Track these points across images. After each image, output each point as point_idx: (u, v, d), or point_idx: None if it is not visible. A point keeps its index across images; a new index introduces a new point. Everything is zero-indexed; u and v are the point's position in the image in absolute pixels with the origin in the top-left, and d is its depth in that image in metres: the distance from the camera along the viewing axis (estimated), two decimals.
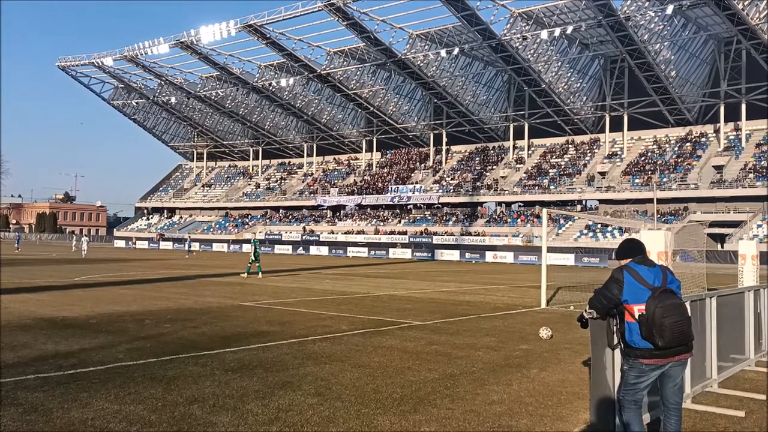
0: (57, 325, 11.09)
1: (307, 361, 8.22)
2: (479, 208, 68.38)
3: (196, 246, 75.92)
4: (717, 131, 60.44)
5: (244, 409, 5.94)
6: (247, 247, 70.99)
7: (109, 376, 7.13)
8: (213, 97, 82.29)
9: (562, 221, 58.67)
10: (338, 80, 71.14)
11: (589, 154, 67.45)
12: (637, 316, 4.44)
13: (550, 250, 39.81)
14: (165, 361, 8.01)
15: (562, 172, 65.93)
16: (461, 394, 6.67)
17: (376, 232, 68.42)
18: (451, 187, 70.72)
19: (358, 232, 69.39)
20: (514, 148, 72.37)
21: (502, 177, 69.21)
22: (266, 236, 74.63)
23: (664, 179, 58.04)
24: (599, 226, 54.95)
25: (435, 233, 64.34)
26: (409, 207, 73.57)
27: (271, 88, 75.96)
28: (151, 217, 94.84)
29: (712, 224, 50.11)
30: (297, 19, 59.54)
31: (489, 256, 54.60)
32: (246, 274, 25.71)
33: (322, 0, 55.10)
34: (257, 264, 25.82)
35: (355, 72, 70.53)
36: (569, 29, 54.75)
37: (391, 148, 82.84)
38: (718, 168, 57.13)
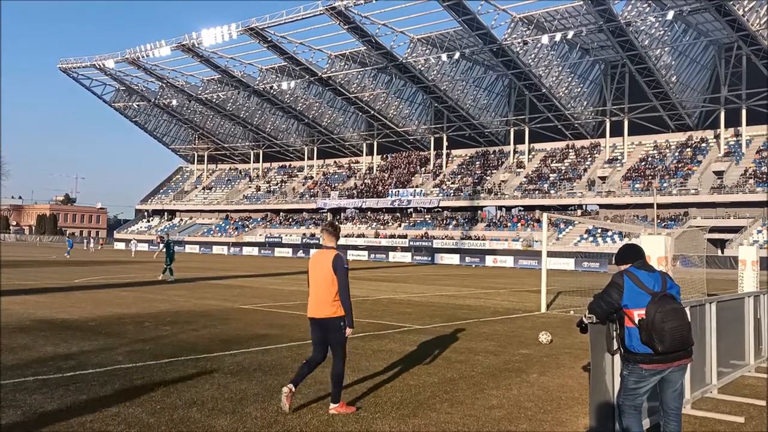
0: (56, 327, 11.08)
1: None
2: (479, 212, 68.37)
3: (195, 248, 76.07)
4: (717, 137, 60.46)
5: (243, 412, 5.93)
6: (247, 250, 71.36)
7: (108, 379, 7.13)
8: (214, 100, 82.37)
9: (562, 226, 58.64)
10: (339, 84, 71.20)
11: (589, 159, 67.47)
12: (637, 321, 4.44)
13: (550, 254, 39.78)
14: (164, 364, 8.00)
15: (562, 177, 65.92)
16: (460, 399, 6.66)
17: (377, 235, 68.42)
18: (452, 191, 70.72)
19: (359, 236, 69.38)
20: (515, 152, 72.41)
21: (503, 181, 69.21)
22: (266, 239, 74.67)
23: (665, 184, 58.04)
24: (599, 230, 54.96)
25: (435, 237, 64.34)
26: (409, 210, 73.58)
27: (272, 91, 76.05)
28: (152, 220, 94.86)
29: (712, 229, 50.10)
30: (298, 22, 59.68)
31: (489, 260, 54.61)
32: (169, 274, 23.67)
33: (323, 3, 55.22)
34: (167, 266, 23.76)
35: (356, 75, 70.62)
36: (570, 34, 54.85)
37: (391, 151, 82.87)
38: (719, 173, 57.13)
